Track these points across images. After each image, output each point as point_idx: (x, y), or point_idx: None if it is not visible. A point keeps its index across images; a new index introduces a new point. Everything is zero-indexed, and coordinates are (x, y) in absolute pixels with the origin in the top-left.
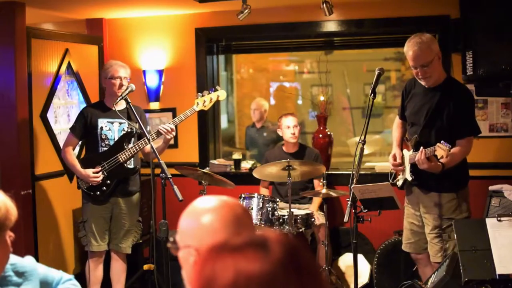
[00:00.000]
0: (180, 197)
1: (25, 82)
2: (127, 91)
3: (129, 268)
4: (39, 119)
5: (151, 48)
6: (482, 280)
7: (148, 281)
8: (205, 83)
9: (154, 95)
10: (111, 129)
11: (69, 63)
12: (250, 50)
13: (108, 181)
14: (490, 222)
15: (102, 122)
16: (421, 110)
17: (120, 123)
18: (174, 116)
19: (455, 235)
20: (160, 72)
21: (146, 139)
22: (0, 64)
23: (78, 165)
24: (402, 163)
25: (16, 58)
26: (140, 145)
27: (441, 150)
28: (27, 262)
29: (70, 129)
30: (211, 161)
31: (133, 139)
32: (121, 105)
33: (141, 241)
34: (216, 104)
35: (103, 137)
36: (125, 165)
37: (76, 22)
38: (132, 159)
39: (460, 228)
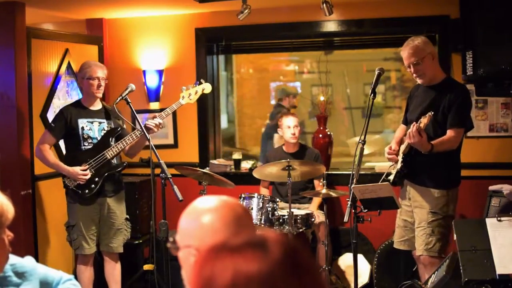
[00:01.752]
0: (180, 197)
1: (25, 82)
2: (127, 91)
3: (129, 268)
4: (39, 119)
5: (151, 48)
6: (482, 280)
7: (148, 281)
8: None
9: (154, 95)
10: (91, 128)
11: (69, 63)
12: (250, 50)
13: (96, 178)
14: (490, 222)
15: (83, 122)
16: (419, 107)
17: (100, 123)
18: (174, 116)
19: (455, 236)
20: (160, 72)
21: (136, 134)
22: (0, 64)
23: (62, 164)
24: (397, 155)
25: (16, 58)
26: (127, 141)
27: (424, 118)
28: (27, 262)
29: (48, 128)
30: (211, 161)
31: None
32: (97, 105)
33: (140, 241)
34: (216, 104)
35: (86, 136)
36: (112, 161)
37: (76, 22)
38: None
39: (460, 228)
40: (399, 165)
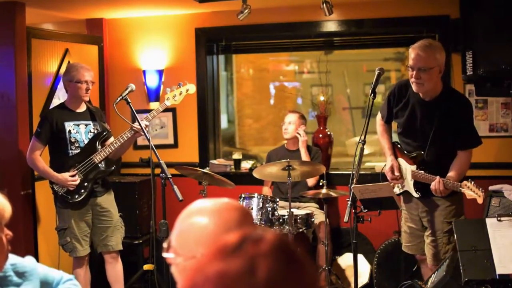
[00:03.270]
0: (180, 197)
1: (25, 82)
2: (127, 91)
3: (129, 268)
4: (39, 119)
5: (151, 48)
6: (482, 280)
7: (148, 281)
8: (205, 83)
9: (154, 95)
10: (78, 131)
11: (69, 63)
12: (250, 50)
13: (86, 183)
14: (490, 222)
15: (69, 126)
16: (420, 125)
17: (86, 125)
18: (174, 116)
19: (455, 236)
20: (160, 72)
21: (123, 137)
22: (0, 64)
23: (51, 171)
24: (401, 175)
25: (16, 58)
26: (115, 145)
27: (471, 192)
28: (27, 262)
29: (34, 135)
30: (211, 161)
31: (99, 141)
32: (82, 107)
33: (140, 241)
34: (216, 104)
35: (73, 140)
36: (100, 165)
37: (76, 22)
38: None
39: (460, 228)
40: (414, 193)
